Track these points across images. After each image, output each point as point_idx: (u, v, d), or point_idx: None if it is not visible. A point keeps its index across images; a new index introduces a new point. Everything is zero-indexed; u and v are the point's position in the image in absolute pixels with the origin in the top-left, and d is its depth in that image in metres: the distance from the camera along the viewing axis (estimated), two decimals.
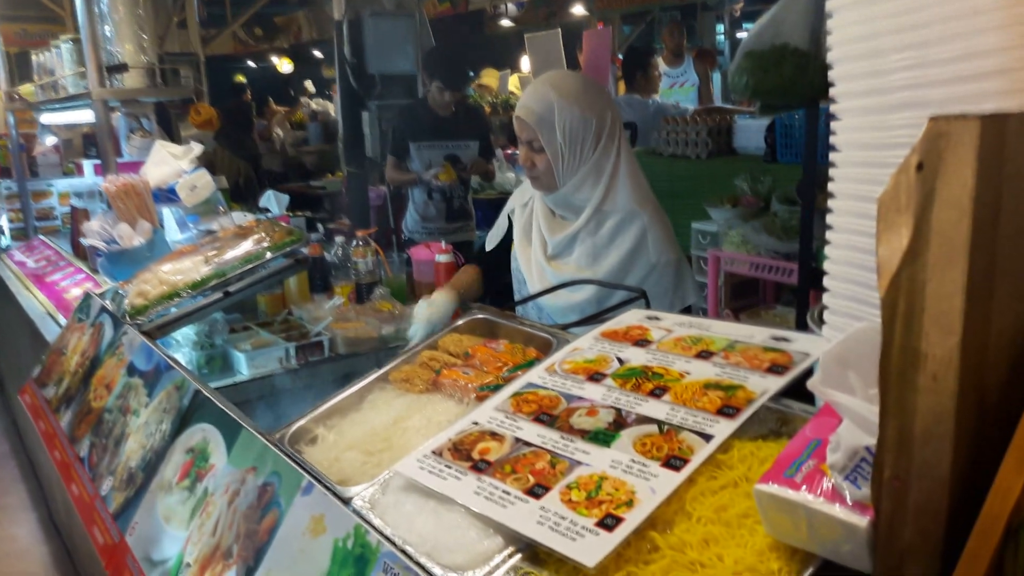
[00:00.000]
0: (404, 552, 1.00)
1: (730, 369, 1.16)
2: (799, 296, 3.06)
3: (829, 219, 1.07)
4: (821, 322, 1.78)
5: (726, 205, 3.86)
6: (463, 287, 2.08)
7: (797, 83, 2.71)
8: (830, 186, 1.05)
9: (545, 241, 2.03)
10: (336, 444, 1.35)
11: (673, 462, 0.99)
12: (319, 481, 1.20)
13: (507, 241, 2.23)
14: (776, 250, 3.40)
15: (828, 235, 1.07)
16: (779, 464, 0.84)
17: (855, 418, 0.78)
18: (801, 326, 3.07)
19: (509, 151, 6.70)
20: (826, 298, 1.08)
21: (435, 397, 1.40)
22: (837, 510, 0.75)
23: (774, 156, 3.96)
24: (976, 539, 0.71)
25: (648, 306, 1.70)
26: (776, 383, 1.09)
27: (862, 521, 0.73)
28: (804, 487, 0.79)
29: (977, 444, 0.75)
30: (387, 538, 1.04)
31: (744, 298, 4.01)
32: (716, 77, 6.99)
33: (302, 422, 1.41)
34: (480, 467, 1.09)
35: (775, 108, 3.57)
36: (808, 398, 1.10)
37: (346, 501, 1.14)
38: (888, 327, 0.70)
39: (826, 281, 1.08)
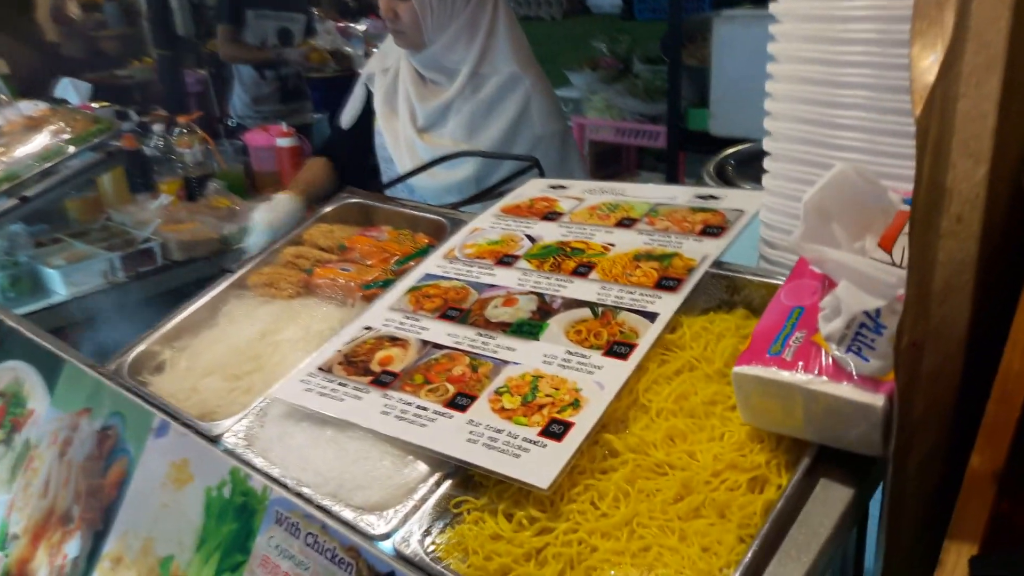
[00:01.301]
0: (300, 496, 0.81)
1: (659, 236, 1.01)
2: (668, 159, 2.99)
3: (770, 67, 0.91)
4: (720, 178, 1.69)
5: (585, 69, 3.68)
6: (310, 185, 1.80)
7: None
8: (772, 29, 0.89)
9: (414, 111, 1.78)
10: (190, 370, 1.11)
11: (617, 349, 0.84)
12: (175, 418, 0.96)
13: (365, 120, 1.95)
14: (642, 113, 3.29)
15: (768, 86, 0.91)
16: (758, 340, 0.70)
17: (855, 276, 0.64)
18: None
19: (341, 24, 6.12)
20: (768, 148, 0.93)
21: (309, 302, 1.17)
22: (845, 389, 0.62)
23: (631, 13, 3.79)
24: (998, 405, 0.61)
25: (542, 176, 1.51)
26: (716, 246, 0.95)
27: (877, 400, 0.61)
28: (799, 365, 0.65)
29: (991, 299, 0.64)
30: (276, 480, 0.84)
31: (607, 167, 3.93)
32: None
33: (143, 346, 1.15)
34: (384, 380, 0.90)
35: None
36: (752, 259, 0.97)
37: (214, 440, 0.92)
38: (919, 160, 0.55)
39: (767, 143, 0.93)
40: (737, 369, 0.69)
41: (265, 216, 1.67)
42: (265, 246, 1.32)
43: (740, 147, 1.79)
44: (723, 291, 0.90)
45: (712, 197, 1.07)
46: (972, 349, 0.62)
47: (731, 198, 1.06)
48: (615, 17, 3.91)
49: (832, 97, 0.83)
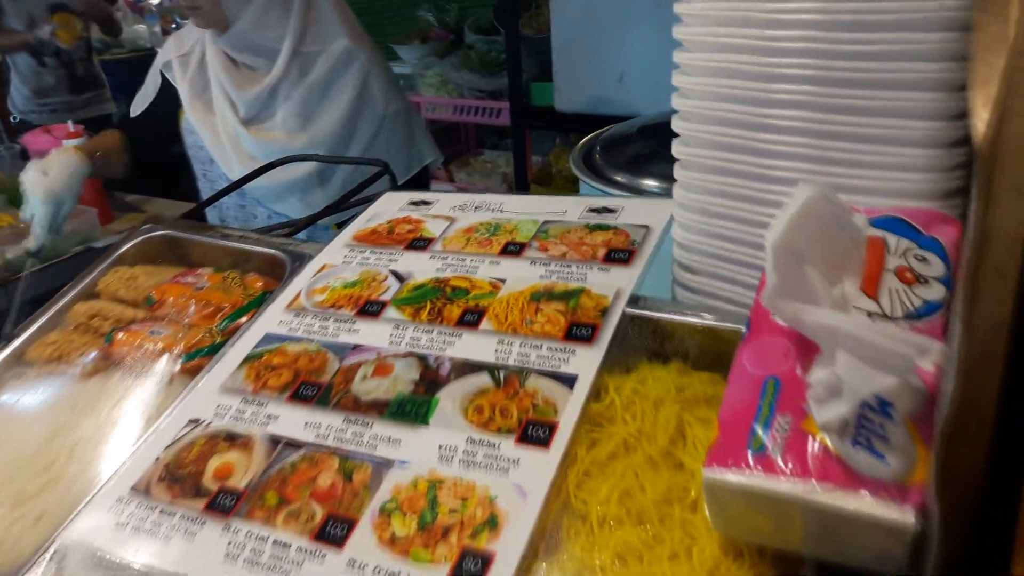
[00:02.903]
0: None
1: (557, 266, 0.83)
2: (515, 137, 2.82)
3: (677, 56, 0.75)
4: (589, 167, 1.53)
5: (414, 42, 3.43)
6: (99, 151, 1.49)
7: None
8: (680, 7, 0.72)
9: (232, 101, 1.49)
10: None
11: (533, 432, 0.65)
12: None
13: (161, 113, 1.63)
14: (480, 89, 3.10)
15: (676, 79, 0.75)
16: (729, 429, 0.54)
17: (855, 345, 0.49)
18: (520, 169, 2.87)
19: None
20: (679, 154, 0.77)
21: (111, 379, 0.89)
22: (864, 503, 0.47)
23: None
24: None
25: (394, 182, 1.29)
26: (628, 278, 0.79)
27: (906, 516, 0.47)
28: (791, 467, 0.50)
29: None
30: None
31: (447, 147, 3.72)
32: None
33: None
34: (224, 504, 0.66)
35: None
36: (663, 287, 0.82)
37: None
38: (983, 193, 0.40)
39: (677, 147, 0.77)
40: (710, 474, 0.52)
41: (41, 182, 1.35)
42: (49, 220, 1.02)
43: (603, 131, 1.64)
44: (647, 337, 0.74)
45: (607, 210, 0.91)
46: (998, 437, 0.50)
47: (630, 210, 0.90)
48: None
49: (763, 93, 0.68)
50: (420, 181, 1.66)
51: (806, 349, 0.55)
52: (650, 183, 1.32)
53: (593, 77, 2.39)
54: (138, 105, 1.59)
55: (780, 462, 0.50)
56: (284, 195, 1.48)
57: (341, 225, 1.48)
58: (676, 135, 0.78)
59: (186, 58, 1.54)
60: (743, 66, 0.69)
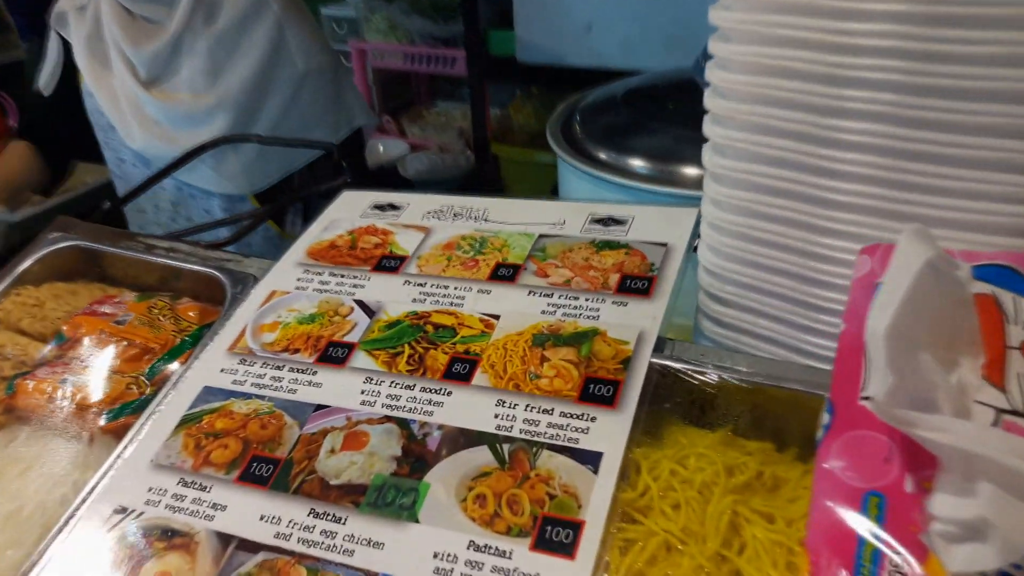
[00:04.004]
0: None
1: (561, 297, 0.69)
2: (472, 89, 2.63)
3: (716, 46, 0.60)
4: (569, 143, 1.38)
5: None
6: (8, 183, 1.28)
7: None
8: None
9: (130, 60, 1.29)
10: None
11: (554, 535, 0.52)
12: None
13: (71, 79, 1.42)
14: (434, 35, 2.87)
15: (714, 75, 0.61)
16: (822, 563, 0.42)
17: (1006, 477, 0.37)
18: (479, 123, 2.69)
19: None
20: (712, 165, 0.64)
21: (16, 441, 0.73)
22: None
23: None
24: None
25: (342, 166, 1.12)
26: (650, 315, 0.65)
27: None
28: None
29: None
30: None
31: (396, 98, 3.49)
32: None
33: None
34: None
35: None
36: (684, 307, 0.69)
37: None
38: None
39: (710, 155, 0.63)
40: None
41: None
42: None
43: (581, 96, 1.48)
44: (681, 394, 0.61)
45: (615, 221, 0.77)
46: None
47: (642, 221, 0.76)
48: None
49: (829, 100, 0.54)
50: (352, 145, 1.49)
51: (914, 451, 0.43)
52: (640, 163, 1.18)
53: (558, 25, 2.21)
54: (47, 81, 1.37)
55: None
56: (194, 164, 1.29)
57: (275, 214, 1.32)
58: (705, 139, 0.64)
59: (83, 11, 1.32)
60: (804, 65, 0.54)
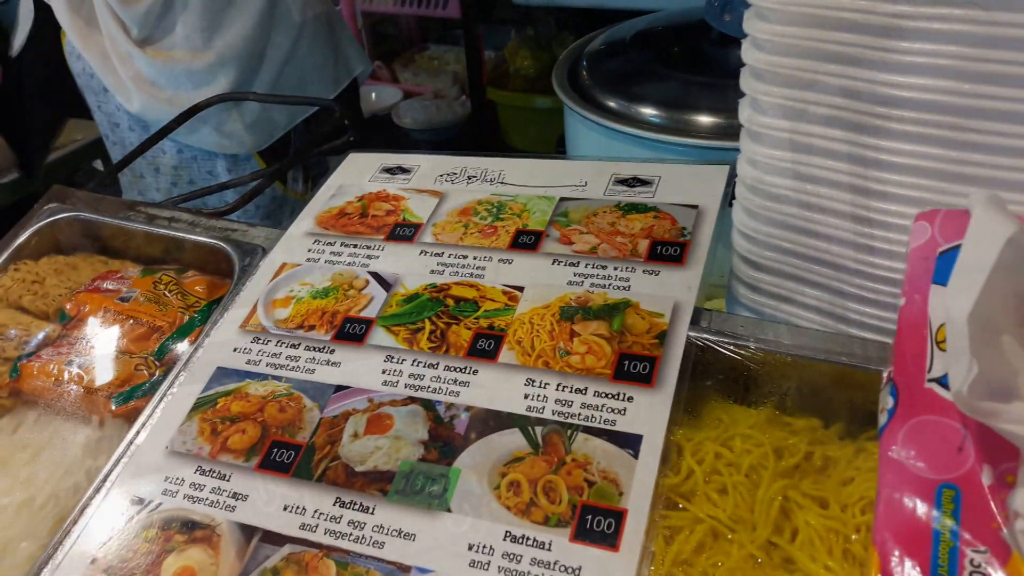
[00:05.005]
0: None
1: (588, 266, 0.65)
2: (466, 32, 2.54)
3: None
4: (576, 90, 1.32)
5: None
6: None
7: None
8: None
9: (120, 18, 1.22)
10: None
11: (594, 524, 0.50)
12: None
13: (45, 41, 1.35)
14: None
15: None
16: (892, 558, 0.39)
17: None
18: (474, 67, 2.60)
19: None
20: (750, 122, 0.60)
21: (24, 426, 0.70)
22: None
23: None
24: None
25: (345, 124, 1.07)
26: (685, 284, 0.62)
27: None
28: None
29: None
30: None
31: (386, 42, 3.38)
32: None
33: None
34: None
35: None
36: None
37: None
38: None
39: (748, 112, 0.59)
40: None
41: None
42: None
43: (586, 40, 1.42)
44: (720, 369, 0.58)
45: (640, 181, 0.72)
46: None
47: (669, 181, 0.72)
48: None
49: (885, 53, 0.50)
50: (349, 95, 1.44)
51: (991, 440, 0.40)
52: (654, 113, 1.13)
53: None
54: (16, 39, 1.30)
55: None
56: (194, 125, 1.24)
57: (278, 172, 1.27)
58: (742, 94, 0.60)
59: None
60: (856, 15, 0.50)
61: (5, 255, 0.83)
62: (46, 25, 1.31)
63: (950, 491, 0.40)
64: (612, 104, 1.20)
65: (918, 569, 0.38)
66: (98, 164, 1.81)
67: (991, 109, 0.48)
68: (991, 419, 0.37)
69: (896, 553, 0.39)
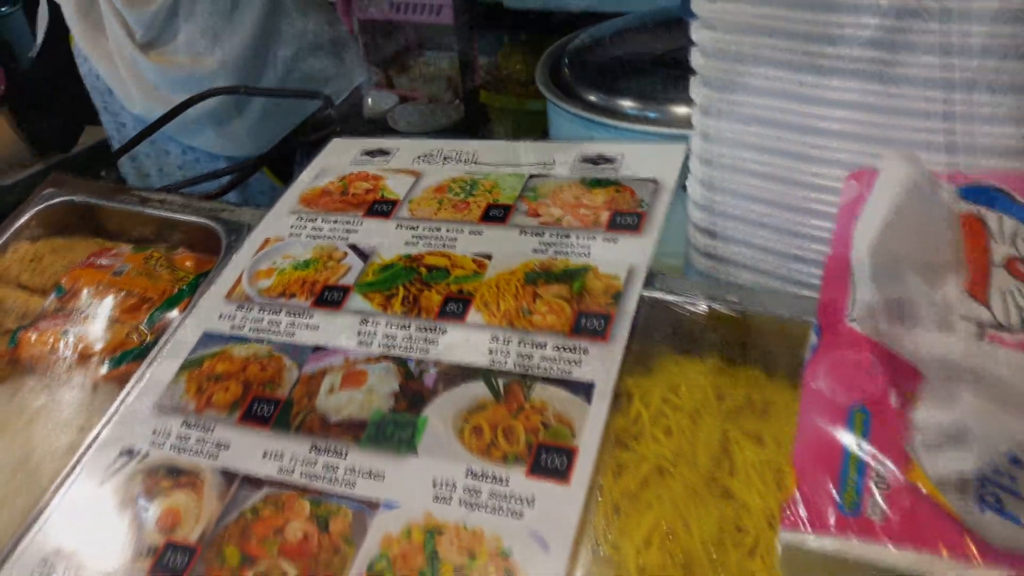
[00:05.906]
0: None
1: (552, 235, 0.69)
2: (460, 38, 2.59)
3: None
4: (559, 86, 1.36)
5: None
6: None
7: None
8: None
9: (126, 22, 1.27)
10: None
11: (548, 460, 0.54)
12: None
13: (59, 43, 1.39)
14: None
15: None
16: (808, 477, 0.43)
17: (990, 387, 0.38)
18: (467, 74, 2.66)
19: None
20: (699, 96, 0.64)
21: (20, 392, 0.74)
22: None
23: None
24: None
25: (331, 116, 1.11)
26: (640, 249, 0.66)
27: None
28: (896, 534, 0.40)
29: None
30: None
31: (382, 49, 3.43)
32: None
33: None
34: (172, 565, 0.54)
35: None
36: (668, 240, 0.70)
37: None
38: None
39: (699, 88, 0.63)
40: (789, 539, 0.42)
41: None
42: None
43: (569, 38, 1.47)
44: (672, 327, 0.62)
45: (604, 159, 0.77)
46: None
47: (632, 158, 0.76)
48: None
49: (819, 27, 0.54)
50: (353, 101, 1.47)
51: (898, 366, 0.44)
52: (629, 104, 1.17)
53: None
54: (38, 41, 1.35)
55: (881, 525, 0.40)
56: (198, 127, 1.28)
57: (274, 166, 1.31)
58: (693, 72, 0.64)
59: None
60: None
61: (5, 237, 0.87)
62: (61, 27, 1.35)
63: (861, 414, 0.44)
64: (592, 97, 1.25)
65: (830, 483, 0.42)
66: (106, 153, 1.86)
67: (911, 76, 0.53)
68: (893, 341, 0.41)
69: (810, 469, 0.43)
